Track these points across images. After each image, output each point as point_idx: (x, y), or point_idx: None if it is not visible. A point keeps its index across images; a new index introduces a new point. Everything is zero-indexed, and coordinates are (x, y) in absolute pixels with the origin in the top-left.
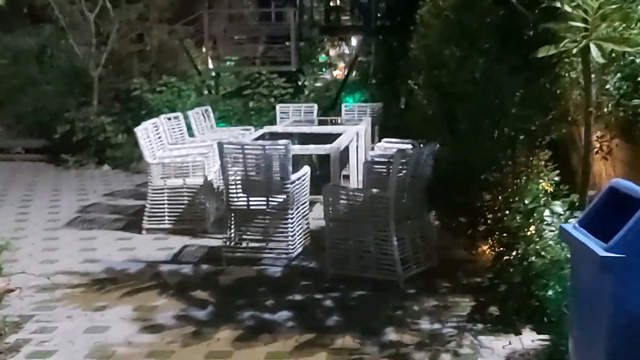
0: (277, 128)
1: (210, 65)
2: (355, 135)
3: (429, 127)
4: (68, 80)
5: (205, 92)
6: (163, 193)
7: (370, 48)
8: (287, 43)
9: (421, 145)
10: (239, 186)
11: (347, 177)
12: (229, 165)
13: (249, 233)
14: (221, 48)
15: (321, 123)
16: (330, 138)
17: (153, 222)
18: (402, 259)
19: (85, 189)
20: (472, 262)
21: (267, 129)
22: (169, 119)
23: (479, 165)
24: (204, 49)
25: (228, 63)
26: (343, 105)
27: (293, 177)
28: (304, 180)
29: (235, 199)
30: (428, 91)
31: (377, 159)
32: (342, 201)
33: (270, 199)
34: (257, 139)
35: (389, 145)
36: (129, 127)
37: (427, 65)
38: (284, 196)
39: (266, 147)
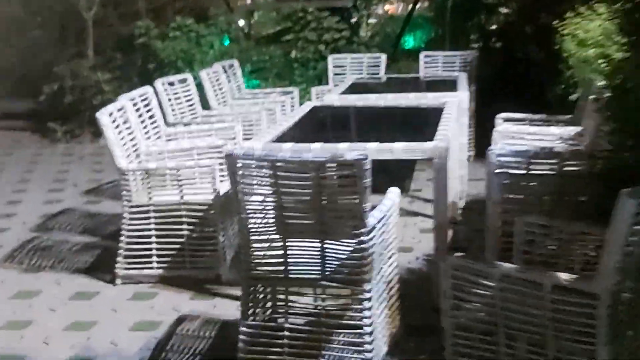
0: (332, 98)
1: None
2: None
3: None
4: (60, 25)
5: (233, 37)
6: (148, 217)
7: None
8: None
9: None
10: (268, 228)
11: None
12: (248, 190)
13: (289, 315)
14: None
15: (392, 84)
16: (420, 118)
17: (133, 265)
18: None
19: (65, 179)
20: None
21: (316, 101)
22: (171, 84)
23: None
24: None
25: None
26: (422, 55)
27: (373, 217)
28: (389, 217)
29: (259, 255)
30: None
31: (515, 164)
32: (482, 291)
33: (326, 264)
34: (299, 122)
35: (518, 131)
36: (133, 85)
37: None
38: (359, 258)
39: (322, 163)
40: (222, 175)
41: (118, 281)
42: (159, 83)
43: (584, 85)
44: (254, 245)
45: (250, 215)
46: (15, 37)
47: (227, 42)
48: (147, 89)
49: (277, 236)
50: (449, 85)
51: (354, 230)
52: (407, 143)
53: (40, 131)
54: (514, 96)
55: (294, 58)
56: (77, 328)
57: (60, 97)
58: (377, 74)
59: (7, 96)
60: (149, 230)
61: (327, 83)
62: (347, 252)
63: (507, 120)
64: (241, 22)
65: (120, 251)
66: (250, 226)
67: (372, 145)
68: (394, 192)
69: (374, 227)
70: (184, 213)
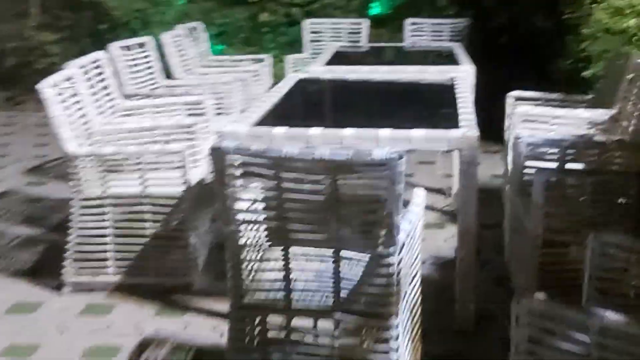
0: (318, 70)
1: None
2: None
3: None
4: None
5: None
6: (103, 212)
7: None
8: None
9: None
10: (265, 243)
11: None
12: (239, 194)
13: (292, 354)
14: None
15: (381, 54)
16: (428, 97)
17: (84, 269)
18: None
19: (5, 154)
20: None
21: (299, 73)
22: (127, 48)
23: None
24: None
25: None
26: (407, 22)
27: (404, 230)
28: (417, 227)
29: (253, 277)
30: None
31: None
32: (569, 345)
33: (341, 289)
34: (286, 99)
35: (542, 113)
36: (84, 48)
37: None
38: (385, 283)
39: (344, 164)
40: (193, 162)
41: (66, 289)
42: (114, 47)
43: (601, 60)
44: (247, 265)
45: (242, 227)
46: None
47: (183, 1)
48: (99, 54)
49: (278, 254)
50: (447, 57)
51: (379, 247)
52: (428, 130)
53: None
54: (513, 72)
55: (261, 22)
56: (15, 354)
57: (0, 60)
58: (359, 42)
59: None
60: (104, 228)
61: (300, 50)
62: (369, 274)
63: (518, 99)
64: None
65: (68, 253)
66: (241, 241)
67: (385, 133)
68: (419, 194)
69: (403, 244)
70: (147, 208)
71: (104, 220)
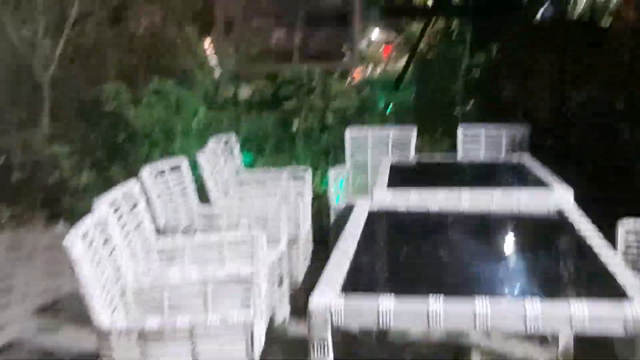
0: (384, 196)
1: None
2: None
3: None
4: (9, 84)
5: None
6: None
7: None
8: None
9: None
10: None
11: None
12: None
13: None
14: (239, 35)
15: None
16: (546, 240)
17: None
18: None
19: (9, 287)
20: None
21: (366, 202)
22: (161, 172)
23: None
24: (207, 45)
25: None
26: (460, 130)
27: None
28: None
29: None
30: None
31: None
32: None
33: None
34: (367, 242)
35: None
36: (98, 160)
37: None
38: None
39: None
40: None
41: None
42: (146, 173)
43: None
44: None
45: None
46: None
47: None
48: (132, 185)
49: None
50: (522, 174)
51: None
52: (591, 303)
53: None
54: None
55: (295, 130)
56: None
57: (6, 173)
58: (407, 152)
59: None
60: None
61: (338, 160)
62: None
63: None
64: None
65: None
66: None
67: (534, 310)
68: None
69: None
70: None
71: None
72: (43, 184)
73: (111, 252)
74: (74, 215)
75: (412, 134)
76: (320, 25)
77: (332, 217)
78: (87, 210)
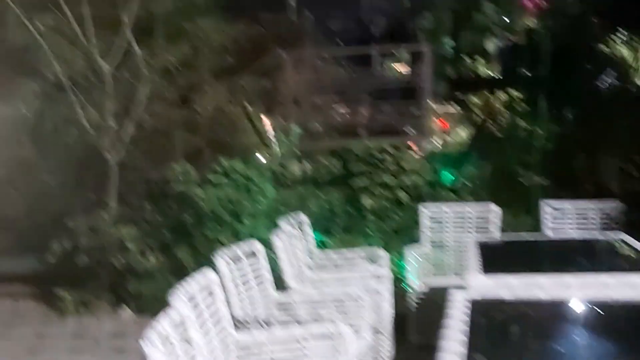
0: (483, 283)
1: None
2: None
3: None
4: (78, 167)
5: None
6: None
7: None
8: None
9: None
10: None
11: None
12: None
13: None
14: (304, 112)
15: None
16: None
17: None
18: None
19: None
20: None
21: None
22: (236, 259)
23: None
24: (266, 122)
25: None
26: (544, 205)
27: None
28: None
29: None
30: None
31: None
32: None
33: None
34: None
35: None
36: (164, 242)
37: None
38: None
39: None
40: None
41: None
42: (222, 261)
43: None
44: None
45: None
46: (22, 182)
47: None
48: (209, 275)
49: None
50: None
51: None
52: None
53: (45, 299)
54: None
55: (368, 208)
56: None
57: (72, 257)
58: (488, 230)
59: (8, 253)
60: None
61: (412, 238)
62: None
63: None
64: (295, 164)
65: None
66: None
67: None
68: None
69: None
70: None
71: None
72: (109, 269)
73: (189, 351)
74: (140, 301)
75: (493, 211)
76: (386, 100)
77: (412, 301)
78: (153, 295)
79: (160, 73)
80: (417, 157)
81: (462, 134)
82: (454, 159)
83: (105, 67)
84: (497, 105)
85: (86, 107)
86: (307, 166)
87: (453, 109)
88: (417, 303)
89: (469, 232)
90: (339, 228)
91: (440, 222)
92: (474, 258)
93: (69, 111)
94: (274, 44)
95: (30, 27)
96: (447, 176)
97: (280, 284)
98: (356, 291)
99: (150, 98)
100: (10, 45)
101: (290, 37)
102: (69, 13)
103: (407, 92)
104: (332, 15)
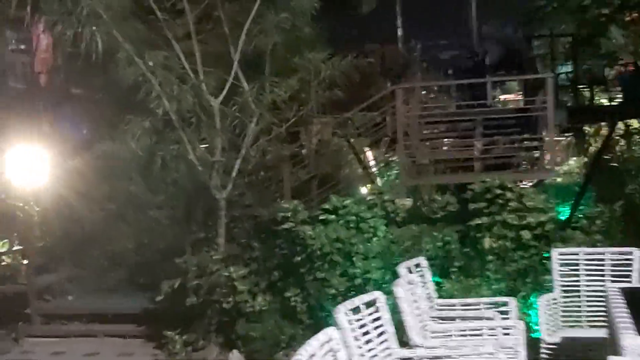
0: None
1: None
2: None
3: None
4: (187, 204)
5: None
6: None
7: None
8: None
9: None
10: None
11: None
12: None
13: None
14: (416, 147)
15: None
16: None
17: None
18: None
19: None
20: None
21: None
22: (355, 310)
23: None
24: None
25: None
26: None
27: None
28: None
29: None
30: None
31: None
32: None
33: None
34: None
35: None
36: (273, 282)
37: None
38: None
39: None
40: None
41: None
42: (341, 314)
43: None
44: None
45: None
46: (132, 218)
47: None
48: (330, 333)
49: None
50: None
51: None
52: None
53: (154, 339)
54: None
55: (487, 248)
56: None
57: (181, 296)
58: (629, 277)
59: (118, 290)
60: None
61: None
62: None
63: None
64: (404, 199)
65: None
66: None
67: None
68: None
69: None
70: None
71: None
72: (218, 309)
73: None
74: (250, 344)
75: (636, 256)
76: (500, 131)
77: (543, 353)
78: (262, 337)
79: (268, 108)
80: (540, 194)
81: (572, 162)
82: (568, 191)
83: (214, 102)
84: (614, 134)
85: (194, 143)
86: (420, 203)
87: (564, 138)
88: (548, 356)
89: (605, 278)
90: (457, 270)
91: (573, 266)
92: (621, 311)
93: (178, 147)
94: (382, 76)
95: (141, 64)
96: (565, 211)
97: (399, 335)
98: (490, 349)
99: (258, 133)
100: (121, 84)
101: (399, 68)
102: (178, 50)
103: (525, 123)
104: (442, 45)
